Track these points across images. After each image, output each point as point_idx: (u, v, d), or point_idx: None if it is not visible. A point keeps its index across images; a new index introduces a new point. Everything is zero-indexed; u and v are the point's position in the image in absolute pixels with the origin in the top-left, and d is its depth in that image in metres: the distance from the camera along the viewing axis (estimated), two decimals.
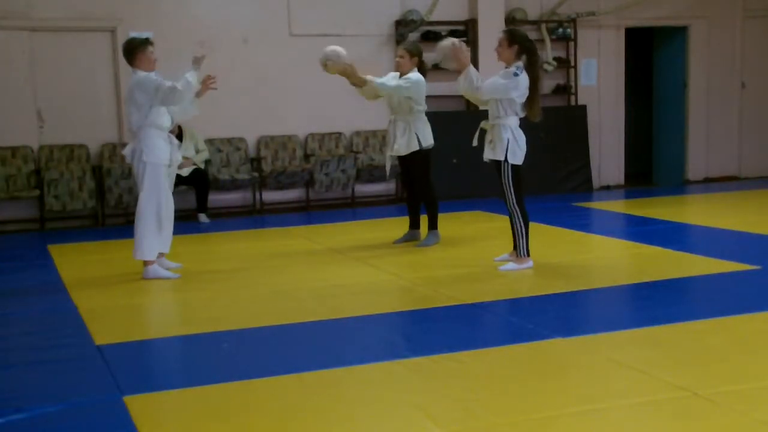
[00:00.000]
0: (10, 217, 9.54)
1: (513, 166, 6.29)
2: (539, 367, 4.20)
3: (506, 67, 6.32)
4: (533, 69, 6.31)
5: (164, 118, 6.58)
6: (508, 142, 6.25)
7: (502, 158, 6.28)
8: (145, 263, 6.61)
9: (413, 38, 10.70)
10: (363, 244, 7.77)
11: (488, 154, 6.40)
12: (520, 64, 6.28)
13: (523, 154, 6.35)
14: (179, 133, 9.66)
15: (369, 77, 7.26)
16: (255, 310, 5.52)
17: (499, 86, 6.24)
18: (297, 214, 10.27)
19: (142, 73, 6.48)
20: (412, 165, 7.55)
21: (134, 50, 6.53)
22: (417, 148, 7.43)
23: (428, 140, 7.48)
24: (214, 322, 5.24)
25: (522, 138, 6.34)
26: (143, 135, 6.45)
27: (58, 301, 5.92)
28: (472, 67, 6.28)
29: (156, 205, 6.53)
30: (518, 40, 6.32)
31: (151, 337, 5.03)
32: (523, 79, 6.24)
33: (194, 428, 3.55)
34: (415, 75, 7.42)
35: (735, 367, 4.09)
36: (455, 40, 6.43)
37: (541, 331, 4.73)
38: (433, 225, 7.63)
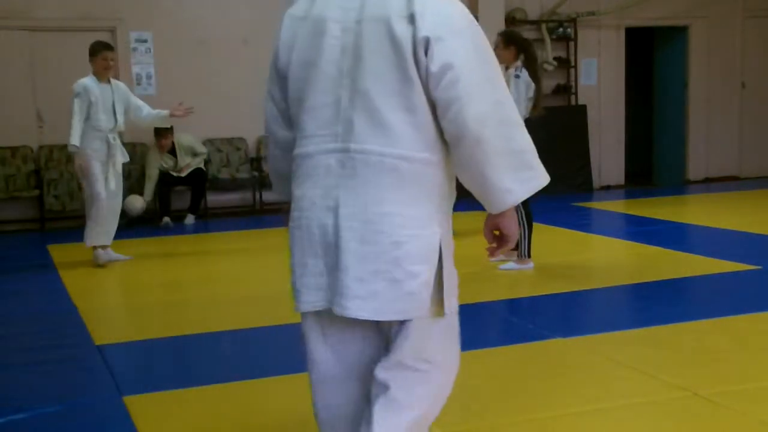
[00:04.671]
0: (10, 217, 9.54)
1: None
2: (539, 367, 4.19)
3: (506, 69, 6.34)
4: (532, 66, 6.35)
5: (100, 122, 6.89)
6: None
7: None
8: (94, 248, 6.98)
9: None
10: None
11: None
12: (519, 64, 6.32)
13: None
14: (172, 148, 9.63)
15: None
16: (255, 310, 5.51)
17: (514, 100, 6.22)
18: None
19: (80, 82, 6.91)
20: None
21: (92, 51, 6.99)
22: None
23: None
24: (213, 322, 5.24)
25: None
26: (83, 134, 6.88)
27: (58, 301, 5.92)
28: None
29: (91, 198, 6.95)
30: (514, 40, 6.40)
31: (151, 337, 5.02)
32: (524, 78, 6.28)
33: (194, 428, 3.55)
34: None
35: (735, 367, 4.09)
36: None
37: (541, 331, 4.73)
38: None
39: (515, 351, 4.45)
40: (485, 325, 5.19)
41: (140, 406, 3.76)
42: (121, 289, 6.40)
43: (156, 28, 9.93)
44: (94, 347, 4.72)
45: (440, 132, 2.15)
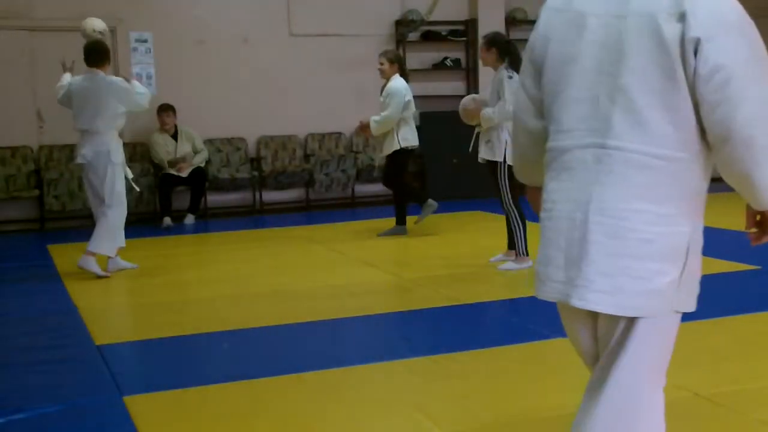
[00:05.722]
0: (10, 217, 9.54)
1: (510, 166, 6.31)
2: (539, 367, 4.20)
3: (496, 72, 6.41)
4: (516, 66, 6.37)
5: (123, 120, 6.79)
6: (506, 143, 6.27)
7: (501, 159, 6.33)
8: (92, 253, 6.55)
9: (413, 38, 10.80)
10: (363, 244, 7.77)
11: (485, 155, 6.46)
12: (506, 65, 6.36)
13: None
14: (174, 133, 9.67)
15: (372, 123, 7.87)
16: (255, 310, 5.52)
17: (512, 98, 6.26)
18: (297, 214, 10.27)
19: (113, 77, 6.74)
20: (391, 163, 8.08)
21: (108, 53, 6.83)
22: (397, 148, 7.91)
23: (409, 141, 7.90)
24: (214, 322, 5.24)
25: None
26: (108, 138, 6.60)
27: (58, 301, 5.92)
28: (486, 110, 6.40)
29: (120, 200, 6.67)
30: (495, 43, 6.48)
31: (151, 337, 5.02)
32: (517, 79, 6.31)
33: (194, 428, 3.55)
34: (394, 84, 7.85)
35: (735, 367, 4.09)
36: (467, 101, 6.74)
37: (541, 331, 4.73)
38: (401, 221, 8.12)
39: (515, 351, 4.44)
40: (485, 325, 5.19)
41: (140, 406, 3.76)
42: (121, 289, 6.39)
43: (156, 28, 9.93)
44: (94, 347, 4.72)
45: (698, 130, 2.12)
